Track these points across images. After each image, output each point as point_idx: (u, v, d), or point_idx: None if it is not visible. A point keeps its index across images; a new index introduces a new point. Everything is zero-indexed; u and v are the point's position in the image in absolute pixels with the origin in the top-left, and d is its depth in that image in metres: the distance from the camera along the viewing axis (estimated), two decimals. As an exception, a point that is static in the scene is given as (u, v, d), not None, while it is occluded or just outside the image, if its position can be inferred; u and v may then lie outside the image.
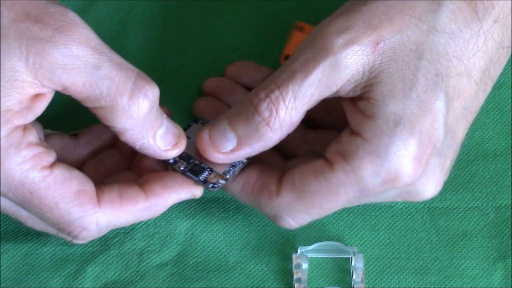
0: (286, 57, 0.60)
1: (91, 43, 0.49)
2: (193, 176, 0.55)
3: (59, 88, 0.49)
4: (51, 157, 0.51)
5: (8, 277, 0.59)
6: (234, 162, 0.55)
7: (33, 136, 0.50)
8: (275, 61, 0.63)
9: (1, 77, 0.48)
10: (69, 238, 0.54)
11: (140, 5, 0.66)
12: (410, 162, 0.51)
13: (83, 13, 0.65)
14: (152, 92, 0.51)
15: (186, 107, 0.63)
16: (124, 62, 0.51)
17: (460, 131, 0.55)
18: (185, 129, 0.57)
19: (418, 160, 0.51)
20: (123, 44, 0.65)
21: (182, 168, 0.55)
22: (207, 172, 0.55)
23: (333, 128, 0.58)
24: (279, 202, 0.54)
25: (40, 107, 0.50)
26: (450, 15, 0.52)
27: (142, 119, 0.51)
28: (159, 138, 0.53)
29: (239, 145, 0.53)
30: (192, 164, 0.55)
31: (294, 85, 0.51)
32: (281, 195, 0.54)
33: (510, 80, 0.64)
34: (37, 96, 0.49)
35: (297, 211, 0.54)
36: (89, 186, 0.52)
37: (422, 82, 0.51)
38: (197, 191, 0.55)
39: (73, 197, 0.51)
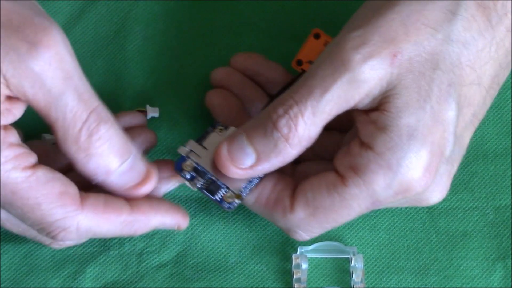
0: (298, 62, 0.60)
1: (63, 66, 0.48)
2: (209, 195, 0.54)
3: (23, 99, 0.49)
4: (32, 158, 0.50)
5: (8, 277, 0.59)
6: (251, 178, 0.55)
7: (14, 136, 0.50)
8: (275, 61, 0.63)
9: None
10: (47, 242, 0.54)
11: (140, 5, 0.66)
12: (421, 172, 0.51)
13: (83, 13, 0.65)
14: (107, 127, 0.50)
15: (186, 107, 0.63)
16: (88, 93, 0.50)
17: (467, 137, 0.55)
18: (202, 138, 0.56)
19: (429, 171, 0.51)
20: (123, 44, 0.65)
21: (199, 186, 0.54)
22: (223, 190, 0.54)
23: (335, 129, 0.58)
24: (293, 218, 0.54)
25: (19, 109, 0.49)
26: (465, 24, 0.52)
27: (94, 152, 0.50)
28: (118, 175, 0.52)
29: (258, 160, 0.53)
30: (208, 182, 0.55)
31: (313, 101, 0.51)
32: (294, 211, 0.53)
33: (510, 80, 0.64)
34: (13, 99, 0.49)
35: (310, 225, 0.54)
36: (72, 189, 0.51)
37: (436, 93, 0.51)
38: (182, 223, 0.55)
39: (55, 198, 0.50)
